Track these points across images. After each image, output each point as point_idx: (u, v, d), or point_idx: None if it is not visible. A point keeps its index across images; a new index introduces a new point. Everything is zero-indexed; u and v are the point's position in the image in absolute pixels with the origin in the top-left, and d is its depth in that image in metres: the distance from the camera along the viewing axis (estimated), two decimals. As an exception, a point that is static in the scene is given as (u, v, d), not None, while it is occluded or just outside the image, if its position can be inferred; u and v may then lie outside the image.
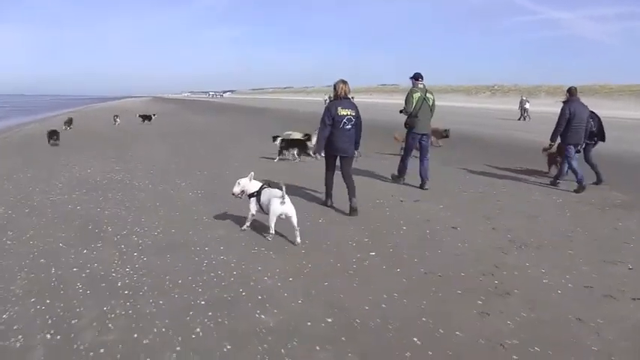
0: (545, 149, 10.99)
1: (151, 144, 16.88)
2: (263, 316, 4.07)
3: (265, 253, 5.64)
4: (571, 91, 9.53)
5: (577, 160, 9.51)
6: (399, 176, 9.82)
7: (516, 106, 38.65)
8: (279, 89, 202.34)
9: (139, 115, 28.02)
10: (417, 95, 9.04)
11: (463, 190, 9.34)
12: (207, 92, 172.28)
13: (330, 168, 7.57)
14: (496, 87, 78.37)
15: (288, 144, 12.88)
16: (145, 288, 4.59)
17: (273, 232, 5.89)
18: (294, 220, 5.83)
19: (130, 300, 4.34)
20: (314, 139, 12.53)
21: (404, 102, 9.25)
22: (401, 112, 9.37)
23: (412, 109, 9.02)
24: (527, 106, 35.93)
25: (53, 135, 16.50)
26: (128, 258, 5.39)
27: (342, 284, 4.79)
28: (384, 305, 4.33)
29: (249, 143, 17.37)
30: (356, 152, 7.54)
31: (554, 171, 10.76)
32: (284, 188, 5.77)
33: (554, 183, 9.96)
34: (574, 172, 9.37)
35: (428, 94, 9.12)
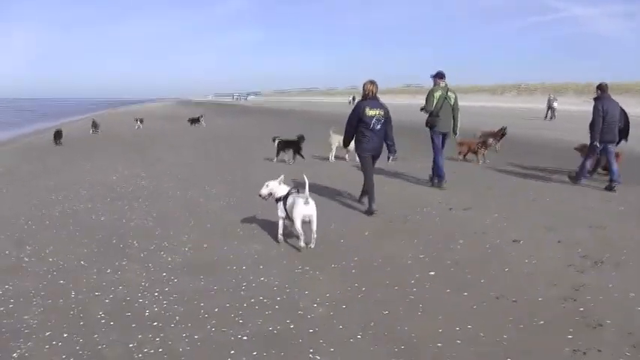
0: (576, 148, 10.49)
1: (177, 148, 16.40)
2: (318, 357, 3.39)
3: (311, 273, 4.96)
4: (602, 88, 9.28)
5: (613, 156, 9.23)
6: (432, 176, 9.47)
7: (543, 105, 37.47)
8: (304, 90, 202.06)
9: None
10: (437, 94, 8.89)
11: (511, 195, 8.59)
12: (232, 95, 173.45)
13: (366, 167, 7.37)
14: (522, 86, 76.59)
15: (284, 145, 12.84)
16: (177, 318, 3.94)
17: (302, 232, 5.49)
18: (314, 223, 5.53)
19: (159, 334, 3.69)
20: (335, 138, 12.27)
21: (424, 101, 9.12)
22: (422, 110, 9.23)
23: (433, 107, 8.88)
24: (555, 105, 34.65)
25: (58, 136, 17.36)
26: (156, 279, 4.77)
27: (405, 313, 4.07)
28: (459, 341, 3.60)
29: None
30: (391, 155, 7.52)
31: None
32: (307, 187, 5.58)
33: (576, 180, 9.61)
34: (582, 168, 9.42)
35: (449, 93, 8.95)
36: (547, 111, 34.68)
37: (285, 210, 5.71)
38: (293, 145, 12.63)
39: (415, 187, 9.49)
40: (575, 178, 9.63)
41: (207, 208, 7.72)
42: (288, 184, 6.08)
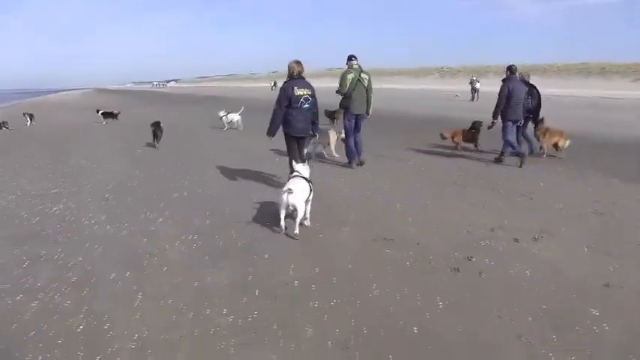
0: (489, 127, 10.09)
1: (100, 148, 12.90)
2: None
3: None
4: (511, 69, 9.57)
5: (513, 135, 9.65)
6: (349, 162, 9.38)
7: (466, 87, 37.45)
8: (226, 77, 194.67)
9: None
10: (350, 76, 8.84)
11: (563, 210, 6.45)
12: (151, 82, 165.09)
13: (292, 150, 7.21)
14: (445, 69, 76.94)
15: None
16: None
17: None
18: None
19: None
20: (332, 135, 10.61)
21: (338, 83, 9.01)
22: (337, 92, 9.05)
23: (347, 89, 8.81)
24: (477, 86, 34.47)
25: None
26: None
27: None
28: None
29: (214, 137, 14.02)
30: (315, 134, 7.57)
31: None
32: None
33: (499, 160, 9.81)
34: (511, 145, 9.50)
35: (363, 75, 8.91)
36: (472, 93, 34.23)
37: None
38: None
39: (461, 207, 7.11)
40: (499, 159, 9.80)
41: (159, 261, 4.84)
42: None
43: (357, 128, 9.17)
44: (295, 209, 5.35)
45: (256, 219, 6.10)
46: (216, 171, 9.26)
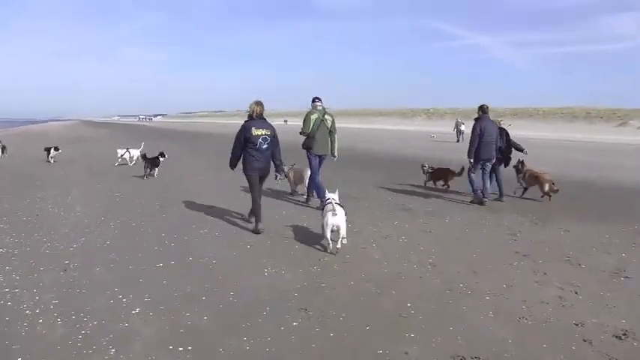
0: (468, 169, 9.71)
1: (74, 188, 10.83)
2: None
3: None
4: (483, 109, 9.43)
5: (488, 176, 9.58)
6: (318, 196, 8.73)
7: (448, 128, 37.31)
8: (211, 113, 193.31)
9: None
10: (314, 117, 8.69)
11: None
12: (138, 116, 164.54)
13: (254, 188, 7.02)
14: (432, 110, 76.64)
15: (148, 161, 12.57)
16: None
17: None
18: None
19: None
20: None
21: (302, 123, 8.81)
22: (300, 133, 8.82)
23: (310, 130, 8.65)
24: (462, 128, 33.92)
25: None
26: None
27: None
28: None
29: (202, 177, 11.82)
30: (278, 175, 7.62)
31: None
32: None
33: (479, 201, 9.46)
34: (471, 184, 9.47)
35: (326, 116, 8.80)
36: (457, 134, 33.86)
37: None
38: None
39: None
40: (477, 197, 9.49)
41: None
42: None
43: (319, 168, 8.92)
44: (339, 229, 5.95)
45: (277, 311, 4.17)
46: (211, 224, 7.33)
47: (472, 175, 9.49)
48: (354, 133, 45.44)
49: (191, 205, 8.91)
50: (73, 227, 7.14)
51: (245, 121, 7.01)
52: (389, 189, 11.25)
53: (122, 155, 15.43)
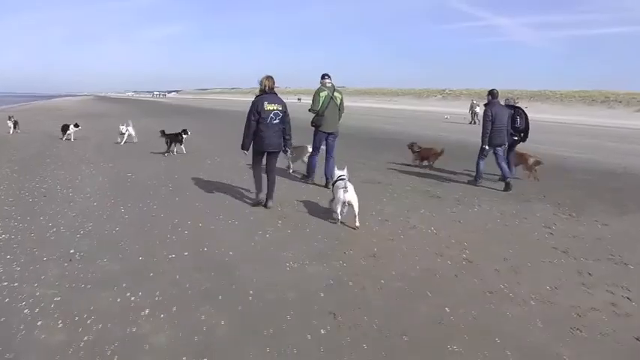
0: (485, 155, 9.40)
1: (83, 168, 10.43)
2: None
3: None
4: (493, 94, 9.25)
5: (503, 159, 9.33)
6: (307, 176, 9.13)
7: (464, 110, 36.33)
8: (226, 89, 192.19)
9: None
10: (323, 94, 8.52)
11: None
12: (152, 92, 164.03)
13: (257, 164, 7.07)
14: (447, 91, 75.13)
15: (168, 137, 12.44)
16: None
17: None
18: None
19: None
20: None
21: (311, 101, 8.65)
22: (310, 110, 8.64)
23: (319, 107, 8.47)
24: (477, 109, 32.73)
25: None
26: None
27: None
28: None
29: (217, 155, 11.38)
30: (288, 150, 7.46)
31: None
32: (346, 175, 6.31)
33: (475, 182, 9.52)
34: (477, 171, 9.39)
35: (336, 93, 8.62)
36: (471, 116, 32.76)
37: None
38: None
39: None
40: (474, 180, 9.52)
41: None
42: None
43: (329, 149, 8.77)
44: (351, 205, 6.08)
45: (302, 315, 3.70)
46: (227, 209, 6.87)
47: (481, 161, 9.35)
48: (369, 112, 44.73)
49: (206, 188, 8.45)
50: (82, 211, 6.71)
51: (256, 96, 6.85)
52: (411, 173, 10.71)
53: (124, 132, 14.92)
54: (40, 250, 5.06)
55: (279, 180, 7.74)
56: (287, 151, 7.39)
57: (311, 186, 8.84)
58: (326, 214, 6.78)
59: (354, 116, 32.49)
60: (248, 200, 7.50)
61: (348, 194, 6.03)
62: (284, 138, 7.02)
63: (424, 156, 11.57)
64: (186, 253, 5.08)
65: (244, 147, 6.93)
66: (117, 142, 14.69)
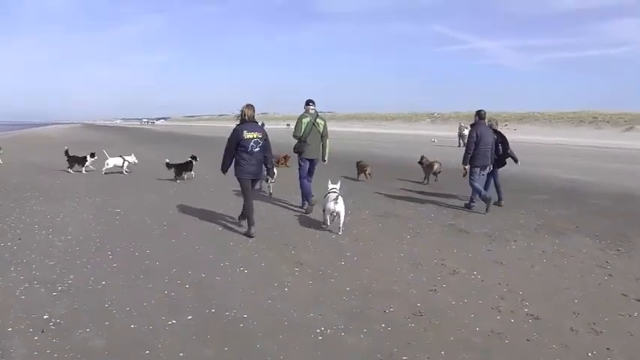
0: (463, 175, 9.34)
1: (69, 203, 9.33)
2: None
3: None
4: (480, 115, 9.10)
5: (481, 181, 9.18)
6: (308, 202, 8.61)
7: (452, 132, 35.87)
8: (214, 116, 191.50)
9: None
10: (305, 120, 8.44)
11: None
12: (141, 119, 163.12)
13: (246, 192, 6.91)
14: (436, 114, 75.11)
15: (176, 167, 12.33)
16: None
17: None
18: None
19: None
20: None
21: (294, 127, 8.62)
22: (293, 136, 8.52)
23: (301, 133, 8.38)
24: (465, 132, 32.07)
25: None
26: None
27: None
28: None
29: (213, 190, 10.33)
30: (269, 177, 7.93)
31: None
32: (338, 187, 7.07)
33: (469, 207, 9.16)
34: (477, 191, 8.95)
35: (318, 120, 8.55)
36: (459, 139, 32.30)
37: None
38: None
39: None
40: (468, 205, 9.19)
41: None
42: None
43: (310, 173, 8.66)
44: (339, 215, 6.84)
45: None
46: (233, 253, 5.84)
47: (475, 183, 8.99)
48: (363, 137, 44.18)
49: (205, 226, 7.42)
50: (61, 258, 5.63)
51: (236, 125, 6.87)
52: (425, 202, 9.81)
53: (122, 164, 13.84)
54: (4, 316, 3.98)
55: (285, 217, 7.42)
56: (268, 179, 7.16)
57: (319, 218, 7.84)
58: (348, 256, 5.79)
59: (354, 142, 31.78)
60: (255, 242, 6.49)
61: (338, 206, 6.80)
62: (266, 167, 7.14)
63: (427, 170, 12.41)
64: (189, 317, 4.04)
65: (222, 170, 7.06)
66: (126, 172, 13.78)
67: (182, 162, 12.49)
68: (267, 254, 5.90)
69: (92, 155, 14.20)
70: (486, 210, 8.74)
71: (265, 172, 7.64)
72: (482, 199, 8.84)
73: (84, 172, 13.86)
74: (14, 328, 3.79)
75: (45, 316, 4.00)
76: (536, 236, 7.18)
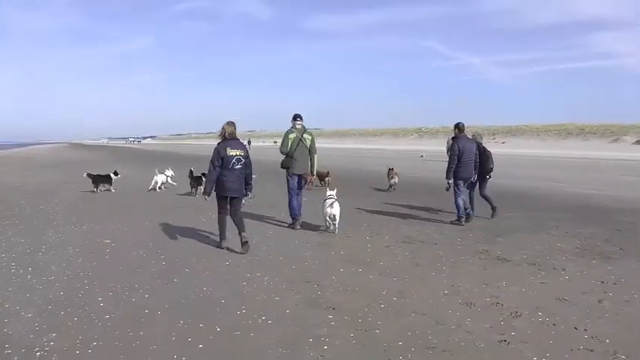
0: (446, 189, 9.15)
1: (50, 232, 8.26)
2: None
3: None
4: (459, 127, 9.03)
5: (465, 195, 9.06)
6: (293, 222, 8.50)
7: (441, 147, 35.67)
8: (202, 135, 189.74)
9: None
10: (292, 136, 8.35)
11: None
12: (127, 139, 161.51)
13: (222, 209, 6.93)
14: (423, 129, 75.02)
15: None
16: None
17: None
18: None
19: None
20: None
21: (280, 143, 8.60)
22: (281, 152, 8.46)
23: (288, 149, 8.31)
24: None
25: None
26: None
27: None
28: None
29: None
30: (249, 194, 7.33)
31: None
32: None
33: (459, 222, 8.85)
34: (457, 207, 8.84)
35: (305, 135, 8.44)
36: (447, 153, 31.93)
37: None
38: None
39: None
40: (457, 220, 8.87)
41: None
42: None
43: (299, 188, 8.59)
44: (335, 218, 7.72)
45: None
46: (244, 295, 4.86)
47: (458, 199, 8.81)
48: (356, 153, 43.59)
49: (209, 260, 6.42)
50: (42, 308, 4.60)
51: (218, 143, 6.83)
52: (438, 221, 9.16)
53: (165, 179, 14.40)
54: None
55: (299, 246, 6.80)
56: (248, 194, 7.36)
57: (335, 246, 6.92)
58: (385, 296, 4.87)
59: (352, 159, 30.95)
60: (272, 278, 5.52)
61: (334, 209, 7.69)
62: (246, 184, 7.02)
63: None
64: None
65: (205, 192, 6.93)
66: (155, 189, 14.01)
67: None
68: (290, 296, 4.93)
69: (115, 173, 14.02)
70: (454, 222, 8.85)
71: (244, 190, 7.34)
72: (462, 215, 8.81)
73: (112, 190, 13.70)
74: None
75: (17, 402, 2.99)
76: (584, 262, 6.34)
